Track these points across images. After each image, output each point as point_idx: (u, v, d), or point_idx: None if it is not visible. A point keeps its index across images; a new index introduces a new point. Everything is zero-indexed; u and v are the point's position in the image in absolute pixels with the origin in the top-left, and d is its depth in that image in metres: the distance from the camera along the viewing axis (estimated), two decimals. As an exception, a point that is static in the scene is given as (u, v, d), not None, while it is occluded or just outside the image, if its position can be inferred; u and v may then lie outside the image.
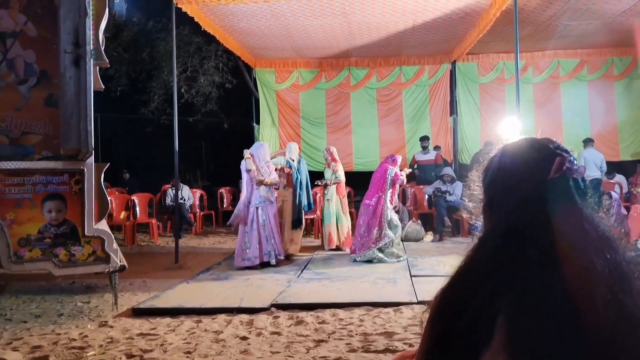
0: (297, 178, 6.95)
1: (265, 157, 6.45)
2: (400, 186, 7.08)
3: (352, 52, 9.92)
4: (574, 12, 7.63)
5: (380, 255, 6.34)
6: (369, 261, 6.34)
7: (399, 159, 6.93)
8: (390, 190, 6.60)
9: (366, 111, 10.58)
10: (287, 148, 7.35)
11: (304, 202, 7.02)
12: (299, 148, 10.49)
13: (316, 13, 7.50)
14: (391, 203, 6.65)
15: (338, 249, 7.34)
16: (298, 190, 6.93)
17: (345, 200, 7.63)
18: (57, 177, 4.34)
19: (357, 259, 6.42)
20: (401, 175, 6.70)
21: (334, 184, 7.49)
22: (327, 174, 7.63)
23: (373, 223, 6.43)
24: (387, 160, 6.83)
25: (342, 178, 7.59)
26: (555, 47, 9.85)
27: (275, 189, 6.71)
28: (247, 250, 6.14)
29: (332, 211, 7.40)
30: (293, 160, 7.05)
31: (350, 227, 7.52)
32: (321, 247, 7.48)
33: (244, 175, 6.46)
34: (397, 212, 8.39)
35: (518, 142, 1.02)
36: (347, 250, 7.06)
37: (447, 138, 10.44)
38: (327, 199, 7.44)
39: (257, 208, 6.25)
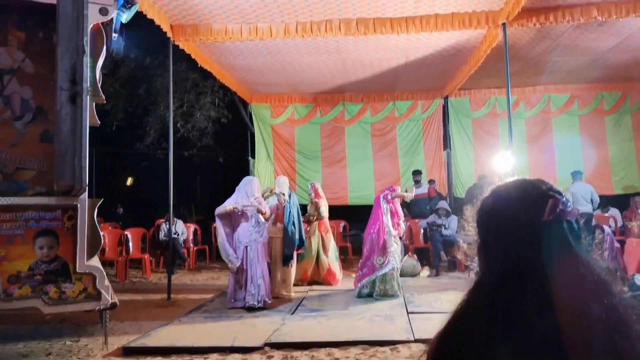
0: (289, 212, 6.63)
1: (253, 193, 6.05)
2: (402, 202, 6.92)
3: (347, 88, 10.07)
4: (563, 49, 7.81)
5: (382, 286, 6.19)
6: (370, 294, 6.21)
7: (398, 189, 6.89)
8: (388, 214, 6.47)
9: (361, 145, 10.67)
10: (277, 182, 7.07)
11: (296, 237, 6.64)
12: (294, 181, 10.62)
13: (311, 50, 7.64)
14: (395, 229, 6.47)
15: (317, 283, 7.23)
16: (290, 225, 6.58)
17: (329, 236, 7.48)
18: (49, 213, 4.30)
19: (362, 290, 6.29)
20: (393, 191, 6.63)
21: (316, 220, 7.41)
22: (310, 210, 7.54)
23: (375, 249, 6.32)
24: (383, 191, 6.79)
25: (325, 214, 7.50)
26: (546, 83, 10.05)
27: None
28: (240, 291, 5.85)
29: (313, 247, 7.27)
30: (284, 195, 6.75)
31: (333, 263, 7.37)
32: (297, 283, 7.04)
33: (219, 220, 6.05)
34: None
35: (511, 184, 1.02)
36: (333, 285, 7.02)
37: (442, 172, 10.51)
38: (309, 236, 7.26)
39: (246, 247, 5.86)
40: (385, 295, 6.16)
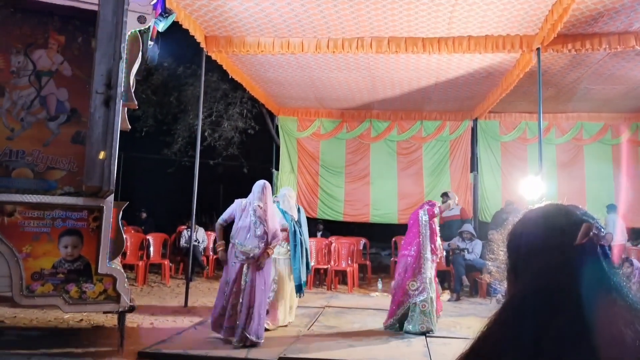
0: (294, 232, 5.59)
1: (259, 198, 4.91)
2: (432, 232, 5.64)
3: (374, 105, 10.07)
4: (598, 77, 7.67)
5: (418, 316, 5.32)
6: (400, 327, 5.41)
7: (438, 204, 5.93)
8: (427, 233, 5.57)
9: (386, 163, 10.61)
10: (280, 196, 5.90)
11: (304, 260, 5.65)
12: (316, 195, 10.60)
13: (341, 66, 7.68)
14: (433, 254, 5.57)
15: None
16: (299, 247, 5.57)
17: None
18: (76, 213, 4.38)
19: (391, 323, 5.50)
20: (436, 208, 5.73)
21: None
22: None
23: (408, 274, 5.47)
24: (422, 205, 5.89)
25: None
26: (579, 110, 9.85)
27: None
28: (224, 318, 4.71)
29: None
30: (286, 213, 5.67)
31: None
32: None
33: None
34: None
35: (543, 208, 1.00)
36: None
37: (467, 195, 10.34)
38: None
39: (241, 265, 4.76)
40: (419, 329, 5.31)
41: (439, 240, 5.74)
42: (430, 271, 5.52)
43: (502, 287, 1.02)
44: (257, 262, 4.76)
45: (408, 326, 5.36)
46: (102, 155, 3.46)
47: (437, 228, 5.79)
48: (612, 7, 5.41)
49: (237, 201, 5.10)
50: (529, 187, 6.74)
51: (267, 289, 4.95)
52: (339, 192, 10.53)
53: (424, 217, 5.66)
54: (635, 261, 7.10)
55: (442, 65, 7.39)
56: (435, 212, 5.71)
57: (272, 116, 10.97)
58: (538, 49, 6.12)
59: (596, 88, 8.30)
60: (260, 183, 5.02)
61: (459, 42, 6.29)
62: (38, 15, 4.59)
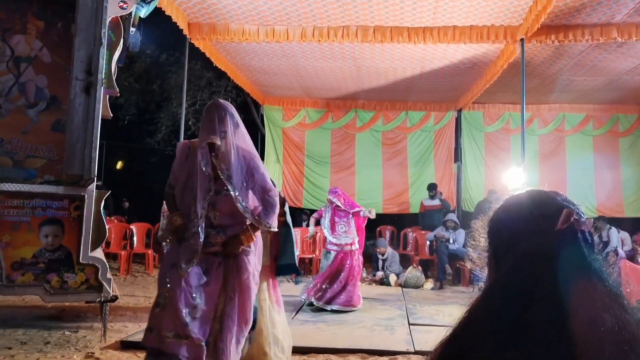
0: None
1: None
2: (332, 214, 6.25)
3: (360, 95, 10.06)
4: (580, 68, 7.75)
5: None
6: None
7: (331, 195, 6.29)
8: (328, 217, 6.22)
9: (371, 153, 10.64)
10: None
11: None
12: (302, 185, 10.59)
13: (326, 55, 7.64)
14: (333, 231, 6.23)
15: None
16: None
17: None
18: (57, 202, 4.30)
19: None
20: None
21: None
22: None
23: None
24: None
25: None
26: (561, 101, 9.97)
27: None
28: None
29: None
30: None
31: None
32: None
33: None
34: (384, 258, 8.24)
35: (524, 194, 1.00)
36: None
37: (451, 184, 10.44)
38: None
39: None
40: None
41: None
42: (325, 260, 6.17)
43: (483, 274, 1.03)
44: (225, 260, 2.87)
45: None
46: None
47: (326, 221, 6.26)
48: (595, -1, 5.46)
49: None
50: (512, 178, 6.82)
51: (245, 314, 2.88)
52: (325, 182, 10.53)
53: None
54: (620, 251, 7.25)
55: (427, 55, 7.40)
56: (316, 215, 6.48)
57: (257, 105, 10.90)
58: (522, 39, 6.15)
59: (578, 79, 8.40)
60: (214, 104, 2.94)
61: (444, 32, 6.30)
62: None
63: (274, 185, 3.11)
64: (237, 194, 2.81)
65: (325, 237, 6.33)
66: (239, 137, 2.93)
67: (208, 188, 2.82)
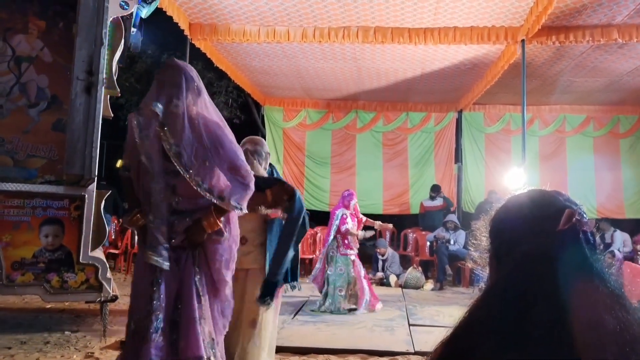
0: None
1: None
2: (344, 234, 6.04)
3: (360, 96, 10.06)
4: (581, 69, 7.74)
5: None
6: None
7: (354, 199, 6.23)
8: (336, 236, 6.00)
9: (371, 154, 10.63)
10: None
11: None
12: (302, 185, 10.58)
13: (327, 56, 7.64)
14: (345, 247, 6.02)
15: None
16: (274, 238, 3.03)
17: None
18: (57, 202, 4.31)
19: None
20: (346, 224, 5.98)
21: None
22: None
23: (322, 265, 6.10)
24: (341, 200, 6.27)
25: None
26: (562, 102, 9.96)
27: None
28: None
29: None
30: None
31: None
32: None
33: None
34: (384, 258, 8.23)
35: (525, 194, 1.00)
36: None
37: (452, 185, 10.43)
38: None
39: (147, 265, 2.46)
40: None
41: (351, 235, 6.05)
42: (345, 266, 5.94)
43: (484, 274, 1.03)
44: (185, 252, 2.46)
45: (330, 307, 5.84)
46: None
47: (343, 227, 6.00)
48: (595, 0, 5.45)
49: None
50: (512, 179, 6.82)
51: (220, 311, 2.54)
52: (325, 182, 10.53)
53: (339, 214, 6.02)
54: (617, 252, 7.24)
55: (428, 56, 7.40)
56: (343, 228, 5.98)
57: (258, 106, 10.90)
58: (522, 40, 6.15)
59: (579, 80, 8.39)
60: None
61: (444, 33, 6.29)
62: (17, -1, 4.48)
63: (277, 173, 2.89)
64: (191, 174, 2.36)
65: (330, 240, 6.09)
66: (199, 107, 2.46)
67: (161, 168, 2.41)
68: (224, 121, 2.58)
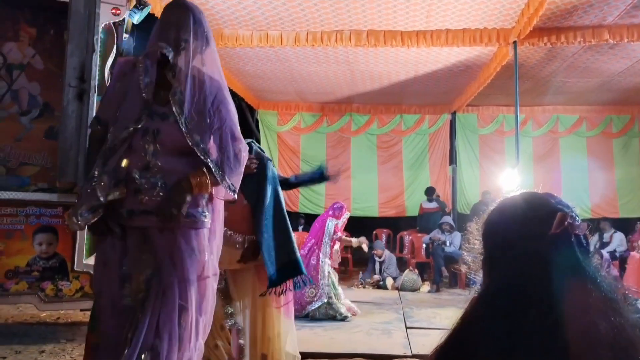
0: (263, 204, 3.04)
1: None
2: (332, 243, 6.05)
3: (354, 99, 10.07)
4: (573, 70, 7.79)
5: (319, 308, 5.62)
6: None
7: (346, 213, 6.33)
8: (329, 244, 5.96)
9: (366, 157, 10.64)
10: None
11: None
12: (297, 189, 10.57)
13: (320, 60, 7.65)
14: (330, 259, 5.97)
15: None
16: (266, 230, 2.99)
17: None
18: (50, 210, 4.28)
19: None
20: (339, 233, 6.06)
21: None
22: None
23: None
24: (331, 210, 6.32)
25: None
26: (555, 103, 10.01)
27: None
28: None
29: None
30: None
31: None
32: None
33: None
34: (381, 260, 8.23)
35: (518, 197, 1.00)
36: None
37: (446, 187, 10.45)
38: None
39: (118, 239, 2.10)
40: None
41: (336, 246, 6.15)
42: (327, 277, 5.78)
43: (478, 277, 1.02)
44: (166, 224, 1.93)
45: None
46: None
47: (335, 236, 6.01)
48: (586, 1, 5.48)
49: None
50: (506, 179, 6.84)
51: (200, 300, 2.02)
52: (320, 186, 10.50)
53: (331, 227, 5.99)
54: (605, 253, 7.27)
55: (421, 58, 7.42)
56: (337, 236, 6.00)
57: (252, 110, 10.89)
58: (514, 42, 6.17)
59: (571, 81, 8.43)
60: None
61: (437, 36, 6.31)
62: (8, 7, 4.45)
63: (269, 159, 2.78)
64: (190, 130, 1.95)
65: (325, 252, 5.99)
66: (206, 57, 2.11)
67: (141, 110, 1.96)
68: (224, 80, 2.24)
